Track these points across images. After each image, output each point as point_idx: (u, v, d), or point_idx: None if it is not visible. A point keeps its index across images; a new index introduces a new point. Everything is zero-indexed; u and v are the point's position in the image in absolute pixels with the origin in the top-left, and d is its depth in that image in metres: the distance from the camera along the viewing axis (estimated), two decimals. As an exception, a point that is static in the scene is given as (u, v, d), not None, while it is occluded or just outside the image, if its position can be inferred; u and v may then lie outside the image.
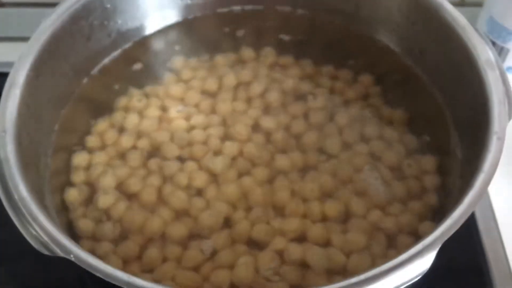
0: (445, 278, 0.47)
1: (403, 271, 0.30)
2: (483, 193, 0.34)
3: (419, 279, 0.31)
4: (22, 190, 0.34)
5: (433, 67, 0.50)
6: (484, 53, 0.42)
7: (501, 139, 0.36)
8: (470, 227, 0.52)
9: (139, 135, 0.51)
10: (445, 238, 0.32)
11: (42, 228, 0.32)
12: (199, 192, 0.48)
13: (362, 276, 0.30)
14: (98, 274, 0.30)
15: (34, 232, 0.32)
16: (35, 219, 0.33)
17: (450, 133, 0.47)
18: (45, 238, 0.32)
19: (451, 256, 0.40)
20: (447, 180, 0.46)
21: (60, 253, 0.31)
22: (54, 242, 0.32)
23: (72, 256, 0.31)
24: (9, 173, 0.35)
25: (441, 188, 0.47)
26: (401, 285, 0.30)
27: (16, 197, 0.34)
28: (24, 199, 0.34)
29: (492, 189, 0.53)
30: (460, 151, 0.45)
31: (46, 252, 0.32)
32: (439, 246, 0.31)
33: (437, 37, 0.48)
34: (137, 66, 0.56)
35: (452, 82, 0.47)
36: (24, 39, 0.44)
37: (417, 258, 0.30)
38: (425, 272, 0.30)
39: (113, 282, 0.29)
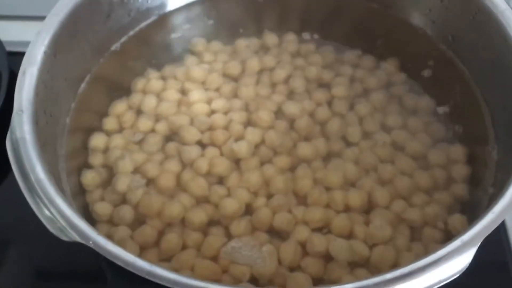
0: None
1: (441, 268, 0.28)
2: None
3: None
4: (39, 171, 0.33)
5: (468, 54, 0.48)
6: (526, 38, 0.40)
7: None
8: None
9: (157, 118, 0.50)
10: (486, 233, 0.30)
11: (59, 212, 0.31)
12: (220, 179, 0.46)
13: (397, 273, 0.28)
14: (118, 262, 0.28)
15: (51, 216, 0.31)
16: (52, 202, 0.31)
17: (485, 121, 0.45)
18: (63, 222, 0.31)
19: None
20: (480, 171, 0.44)
21: (78, 239, 0.30)
22: (72, 228, 0.30)
23: (91, 242, 0.29)
24: (25, 154, 0.34)
25: (472, 180, 0.45)
26: (439, 283, 0.28)
27: (32, 178, 0.32)
28: (41, 181, 0.32)
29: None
30: (495, 139, 0.43)
31: (63, 238, 0.30)
32: (479, 242, 0.29)
33: (473, 21, 0.46)
34: (156, 46, 0.54)
35: (488, 69, 0.45)
36: (41, 18, 0.43)
37: (457, 255, 0.29)
38: (463, 270, 0.28)
39: (134, 272, 0.28)
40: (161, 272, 0.28)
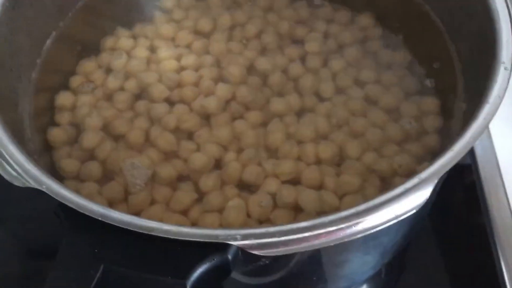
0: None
1: (398, 204, 0.28)
2: (487, 125, 0.31)
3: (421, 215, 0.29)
4: (-8, 122, 0.32)
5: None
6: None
7: (508, 70, 0.33)
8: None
9: (127, 76, 0.49)
10: (443, 171, 0.29)
11: (13, 158, 0.30)
12: (189, 135, 0.45)
13: (353, 210, 0.28)
14: (71, 205, 0.28)
15: (4, 163, 0.30)
16: (5, 149, 0.31)
17: (456, 73, 0.44)
18: (17, 168, 0.30)
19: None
20: (451, 122, 0.44)
21: (32, 184, 0.29)
22: (25, 173, 0.30)
23: (44, 186, 0.29)
24: (-22, 104, 0.33)
25: (443, 131, 0.44)
26: (395, 218, 0.28)
27: (-14, 127, 0.32)
28: (-6, 130, 0.32)
29: (495, 136, 0.51)
30: (464, 89, 0.43)
31: (18, 184, 0.30)
32: (436, 180, 0.29)
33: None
34: (126, 4, 0.53)
35: (456, 12, 0.44)
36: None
37: (414, 192, 0.28)
38: (421, 206, 0.28)
39: (87, 214, 0.28)
40: (114, 214, 0.28)
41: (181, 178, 0.43)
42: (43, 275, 0.45)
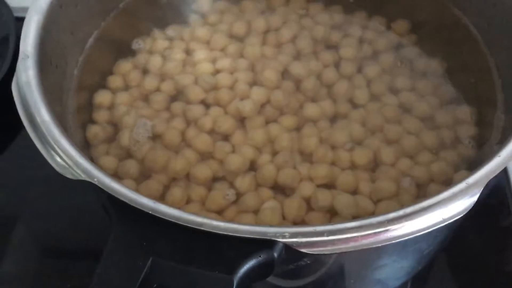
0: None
1: (446, 208, 0.28)
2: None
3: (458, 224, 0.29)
4: (44, 114, 0.33)
5: (477, 10, 0.47)
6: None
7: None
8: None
9: (163, 77, 0.50)
10: (490, 177, 0.29)
11: (64, 152, 0.31)
12: (225, 137, 0.46)
13: (401, 212, 0.28)
14: (122, 199, 0.28)
15: (56, 156, 0.31)
16: (57, 143, 0.31)
17: (494, 82, 0.44)
18: (68, 161, 0.31)
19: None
20: (487, 132, 0.44)
21: (83, 177, 0.30)
22: (77, 166, 0.30)
23: (95, 179, 0.29)
24: (31, 97, 0.34)
25: (478, 139, 0.44)
26: (442, 222, 0.28)
27: (38, 120, 0.33)
28: (46, 123, 0.32)
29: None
30: (504, 104, 0.43)
31: (69, 176, 0.30)
32: (483, 186, 0.29)
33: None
34: (163, 6, 0.54)
35: (497, 24, 0.44)
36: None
37: (461, 197, 0.28)
38: (467, 210, 0.28)
39: (137, 207, 0.28)
40: (165, 208, 0.28)
41: (216, 178, 0.43)
42: (66, 273, 0.46)
